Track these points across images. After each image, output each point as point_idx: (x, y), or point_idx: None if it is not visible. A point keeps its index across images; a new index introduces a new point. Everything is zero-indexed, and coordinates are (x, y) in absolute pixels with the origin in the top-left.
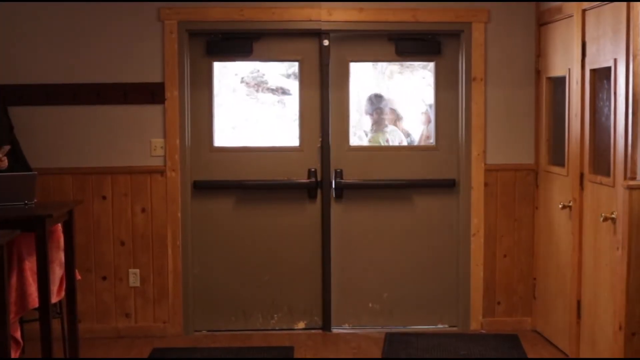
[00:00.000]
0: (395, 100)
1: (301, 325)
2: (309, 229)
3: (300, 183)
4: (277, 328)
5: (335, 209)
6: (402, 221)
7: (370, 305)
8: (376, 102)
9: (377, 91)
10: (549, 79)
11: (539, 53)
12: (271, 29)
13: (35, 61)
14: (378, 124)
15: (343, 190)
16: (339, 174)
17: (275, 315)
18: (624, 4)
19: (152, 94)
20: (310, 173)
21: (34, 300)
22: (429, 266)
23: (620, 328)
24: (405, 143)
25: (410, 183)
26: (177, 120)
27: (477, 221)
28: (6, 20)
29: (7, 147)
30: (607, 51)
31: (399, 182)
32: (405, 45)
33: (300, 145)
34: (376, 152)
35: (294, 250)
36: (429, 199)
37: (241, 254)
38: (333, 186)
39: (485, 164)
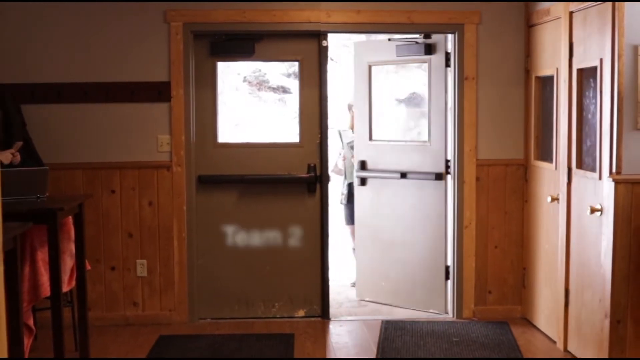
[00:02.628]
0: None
1: (301, 313)
2: (309, 222)
3: (301, 177)
4: (277, 316)
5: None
6: (396, 210)
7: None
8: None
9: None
10: (538, 78)
11: (528, 53)
12: (272, 30)
13: (47, 61)
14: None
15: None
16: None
17: (277, 304)
18: (609, 7)
19: (158, 92)
20: (310, 168)
21: (46, 289)
22: (422, 257)
23: (606, 316)
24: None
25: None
26: (182, 117)
27: (469, 214)
28: (19, 23)
29: (19, 143)
30: (593, 51)
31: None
32: (402, 47)
33: (300, 142)
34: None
35: (294, 242)
36: (421, 189)
37: (244, 245)
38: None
39: (476, 159)
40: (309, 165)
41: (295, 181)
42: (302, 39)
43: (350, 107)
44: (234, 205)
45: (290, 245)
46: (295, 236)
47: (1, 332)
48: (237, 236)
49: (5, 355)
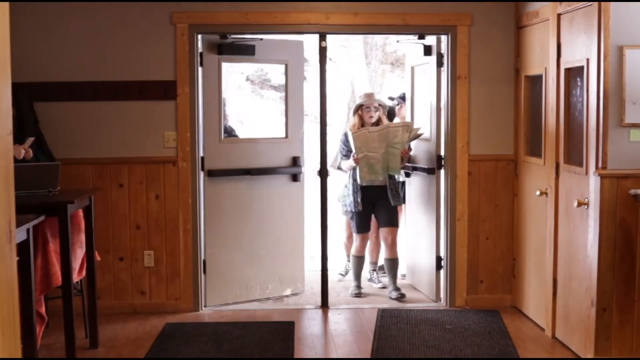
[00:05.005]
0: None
1: (288, 291)
2: (293, 209)
3: (285, 169)
4: (270, 297)
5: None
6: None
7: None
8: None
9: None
10: (527, 77)
11: (518, 53)
12: (274, 32)
13: (59, 61)
14: None
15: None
16: None
17: (269, 285)
18: (596, 9)
19: (165, 90)
20: (294, 160)
21: (57, 279)
22: (418, 248)
23: (592, 304)
24: None
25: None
26: (188, 114)
27: (461, 207)
28: (33, 24)
29: (31, 139)
30: (580, 52)
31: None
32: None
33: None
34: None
35: (281, 227)
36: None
37: (241, 232)
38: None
39: (469, 155)
40: (292, 158)
41: (281, 172)
42: (288, 44)
43: (357, 109)
44: (231, 195)
45: (278, 229)
46: (282, 222)
47: (15, 320)
48: (236, 225)
49: (19, 341)
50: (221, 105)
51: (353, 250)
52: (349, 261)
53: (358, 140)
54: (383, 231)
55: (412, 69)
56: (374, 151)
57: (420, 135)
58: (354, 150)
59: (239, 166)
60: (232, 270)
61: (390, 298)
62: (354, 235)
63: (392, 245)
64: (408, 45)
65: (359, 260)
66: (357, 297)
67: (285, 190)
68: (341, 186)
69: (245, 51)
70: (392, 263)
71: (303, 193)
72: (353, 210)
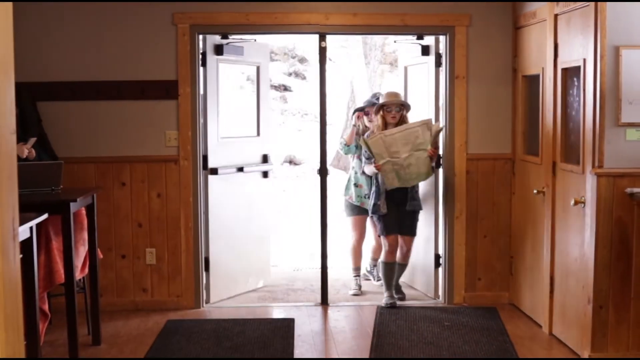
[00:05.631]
0: None
1: (261, 284)
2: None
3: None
4: (258, 287)
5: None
6: None
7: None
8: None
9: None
10: (525, 77)
11: (516, 54)
12: (274, 32)
13: (62, 61)
14: None
15: None
16: None
17: (250, 278)
18: (592, 10)
19: (166, 90)
20: (264, 157)
21: (60, 276)
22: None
23: (589, 301)
24: None
25: None
26: (189, 114)
27: (459, 205)
28: (36, 25)
29: (33, 139)
30: (577, 52)
31: None
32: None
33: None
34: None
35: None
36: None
37: (231, 227)
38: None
39: (467, 154)
40: (262, 155)
41: (254, 170)
42: (261, 47)
43: (379, 109)
44: (222, 191)
45: (252, 225)
46: (257, 215)
47: (18, 316)
48: (225, 220)
49: (23, 338)
50: (219, 105)
51: (382, 257)
52: (368, 268)
53: (375, 147)
54: (402, 238)
55: (406, 68)
56: (397, 155)
57: (441, 129)
58: (373, 156)
59: (234, 164)
60: (225, 264)
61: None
62: (382, 238)
63: (408, 253)
64: (401, 46)
65: (390, 267)
66: (390, 304)
67: (257, 187)
68: (348, 180)
69: (235, 52)
70: (402, 268)
71: (272, 189)
72: (378, 214)
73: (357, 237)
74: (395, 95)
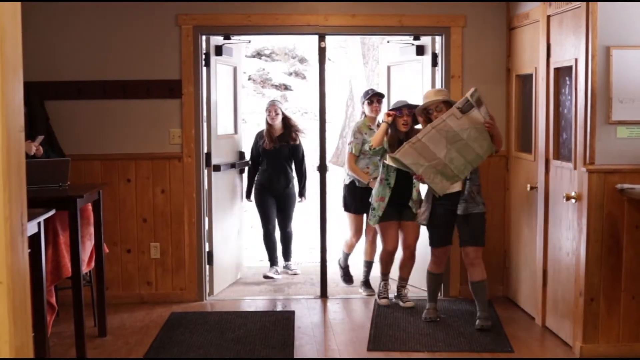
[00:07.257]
0: None
1: (239, 275)
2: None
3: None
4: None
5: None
6: None
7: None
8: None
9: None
10: (518, 76)
11: (509, 54)
12: (275, 33)
13: (69, 61)
14: None
15: None
16: None
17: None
18: (584, 11)
19: (170, 89)
20: (240, 154)
21: (67, 270)
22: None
23: (580, 294)
24: None
25: None
26: (192, 112)
27: None
28: (44, 26)
29: (41, 137)
30: (569, 52)
31: None
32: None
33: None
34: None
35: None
36: None
37: (230, 222)
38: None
39: None
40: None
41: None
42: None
43: (423, 111)
44: (221, 186)
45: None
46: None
47: (26, 309)
48: (226, 214)
49: (30, 330)
50: (216, 104)
51: (429, 267)
52: (351, 260)
53: (407, 159)
54: (463, 250)
55: (389, 68)
56: (435, 158)
57: (473, 93)
58: (408, 169)
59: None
60: (227, 256)
61: (476, 329)
62: (431, 249)
63: (474, 268)
64: (384, 46)
65: (436, 279)
66: (432, 321)
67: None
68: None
69: (228, 53)
70: (478, 287)
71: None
72: (423, 224)
73: (392, 245)
74: (439, 92)
